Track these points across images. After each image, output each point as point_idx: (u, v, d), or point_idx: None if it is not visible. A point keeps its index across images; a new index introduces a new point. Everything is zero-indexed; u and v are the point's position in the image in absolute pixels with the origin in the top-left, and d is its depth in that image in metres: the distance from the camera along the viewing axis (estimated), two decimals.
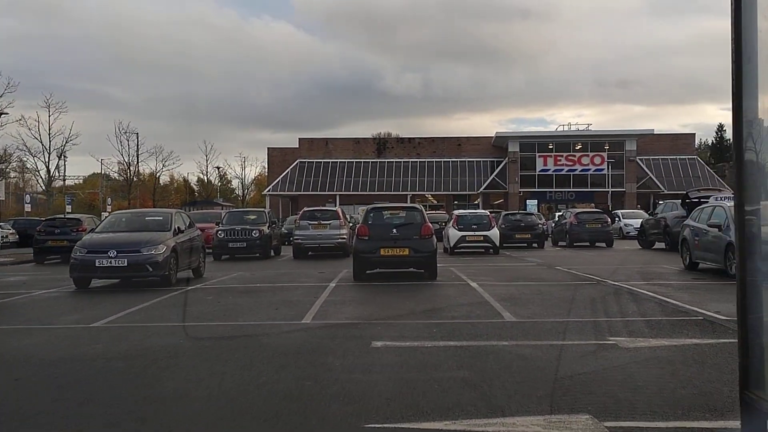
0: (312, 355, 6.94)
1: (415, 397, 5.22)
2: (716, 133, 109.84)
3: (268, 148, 67.15)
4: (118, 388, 5.83)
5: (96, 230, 15.26)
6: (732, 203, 14.72)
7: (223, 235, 23.23)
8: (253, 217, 25.56)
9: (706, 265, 15.16)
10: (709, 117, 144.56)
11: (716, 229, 14.13)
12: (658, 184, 56.82)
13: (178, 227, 14.99)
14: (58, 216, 29.59)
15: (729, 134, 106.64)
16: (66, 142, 50.96)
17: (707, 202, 18.07)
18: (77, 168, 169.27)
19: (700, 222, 15.35)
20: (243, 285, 14.08)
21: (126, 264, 13.41)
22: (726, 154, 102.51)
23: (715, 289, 12.01)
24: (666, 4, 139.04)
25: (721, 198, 17.56)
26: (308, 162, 62.12)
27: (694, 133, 69.01)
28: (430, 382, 5.77)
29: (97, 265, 13.42)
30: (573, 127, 62.72)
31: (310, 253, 23.62)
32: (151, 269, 13.56)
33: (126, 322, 9.31)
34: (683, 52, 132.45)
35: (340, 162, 62.04)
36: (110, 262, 13.44)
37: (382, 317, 9.36)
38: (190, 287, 13.66)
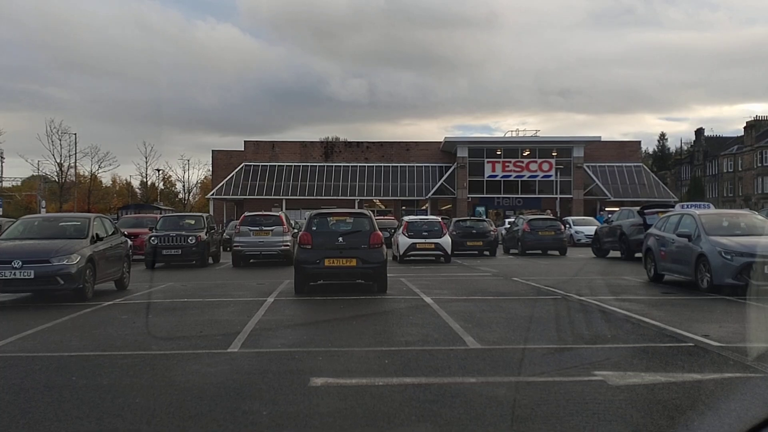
0: (234, 398, 5.52)
1: None
2: (658, 141, 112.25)
3: (212, 150, 64.94)
4: None
5: (1, 237, 13.41)
6: (702, 211, 13.82)
7: (156, 241, 21.48)
8: (190, 222, 23.84)
9: (672, 277, 14.25)
10: (648, 126, 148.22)
11: (685, 239, 13.20)
12: (605, 191, 56.85)
13: (97, 234, 13.30)
14: None
15: (671, 143, 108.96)
16: None
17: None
18: (19, 170, 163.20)
19: (666, 231, 14.41)
20: (169, 300, 12.48)
21: (33, 276, 11.66)
22: (668, 162, 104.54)
23: (691, 305, 10.99)
24: (606, 17, 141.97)
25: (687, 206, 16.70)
26: (254, 165, 60.17)
27: (640, 141, 69.57)
28: None
29: None
30: (520, 134, 62.40)
31: (251, 260, 22.09)
32: (62, 282, 11.85)
33: (12, 351, 7.69)
34: (622, 63, 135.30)
35: (286, 166, 60.28)
36: (14, 274, 11.66)
37: (324, 343, 7.97)
38: (107, 302, 12.01)
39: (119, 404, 5.42)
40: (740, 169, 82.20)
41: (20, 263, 11.67)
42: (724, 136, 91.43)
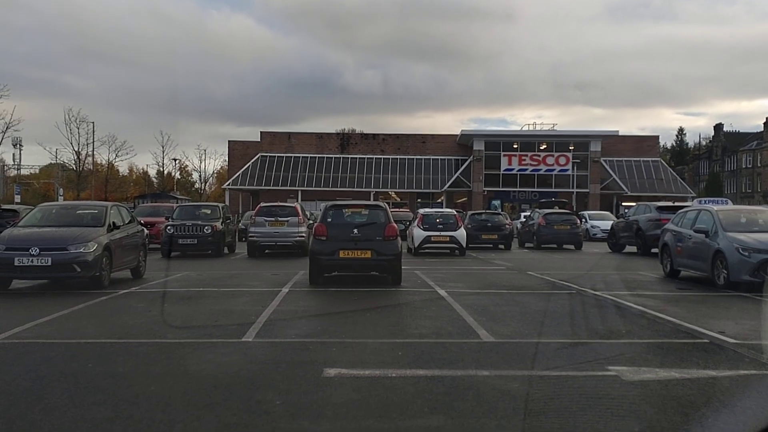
0: (248, 388, 5.56)
1: None
2: (676, 136, 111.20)
3: (229, 141, 65.04)
4: None
5: (19, 224, 13.55)
6: (719, 207, 13.71)
7: (172, 230, 21.63)
8: (206, 211, 23.97)
9: (688, 273, 14.14)
10: (666, 121, 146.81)
11: (702, 235, 13.09)
12: (622, 185, 56.42)
13: (114, 222, 13.41)
14: None
15: (689, 138, 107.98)
16: (7, 128, 48.49)
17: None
18: (38, 158, 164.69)
19: (683, 227, 14.30)
20: (185, 289, 12.57)
21: (50, 263, 11.79)
22: (686, 158, 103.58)
23: (707, 301, 10.92)
24: (622, 10, 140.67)
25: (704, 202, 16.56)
26: (270, 156, 60.26)
27: (658, 136, 68.92)
28: None
29: (16, 264, 11.78)
30: (537, 127, 62.02)
31: (266, 251, 22.19)
32: (79, 269, 11.97)
33: (30, 338, 7.77)
34: (639, 57, 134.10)
35: (302, 157, 60.33)
36: (32, 261, 11.80)
37: (338, 334, 8.00)
38: (123, 291, 12.12)
39: (134, 392, 5.47)
40: (759, 165, 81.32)
41: (38, 250, 11.81)
42: (743, 131, 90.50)
